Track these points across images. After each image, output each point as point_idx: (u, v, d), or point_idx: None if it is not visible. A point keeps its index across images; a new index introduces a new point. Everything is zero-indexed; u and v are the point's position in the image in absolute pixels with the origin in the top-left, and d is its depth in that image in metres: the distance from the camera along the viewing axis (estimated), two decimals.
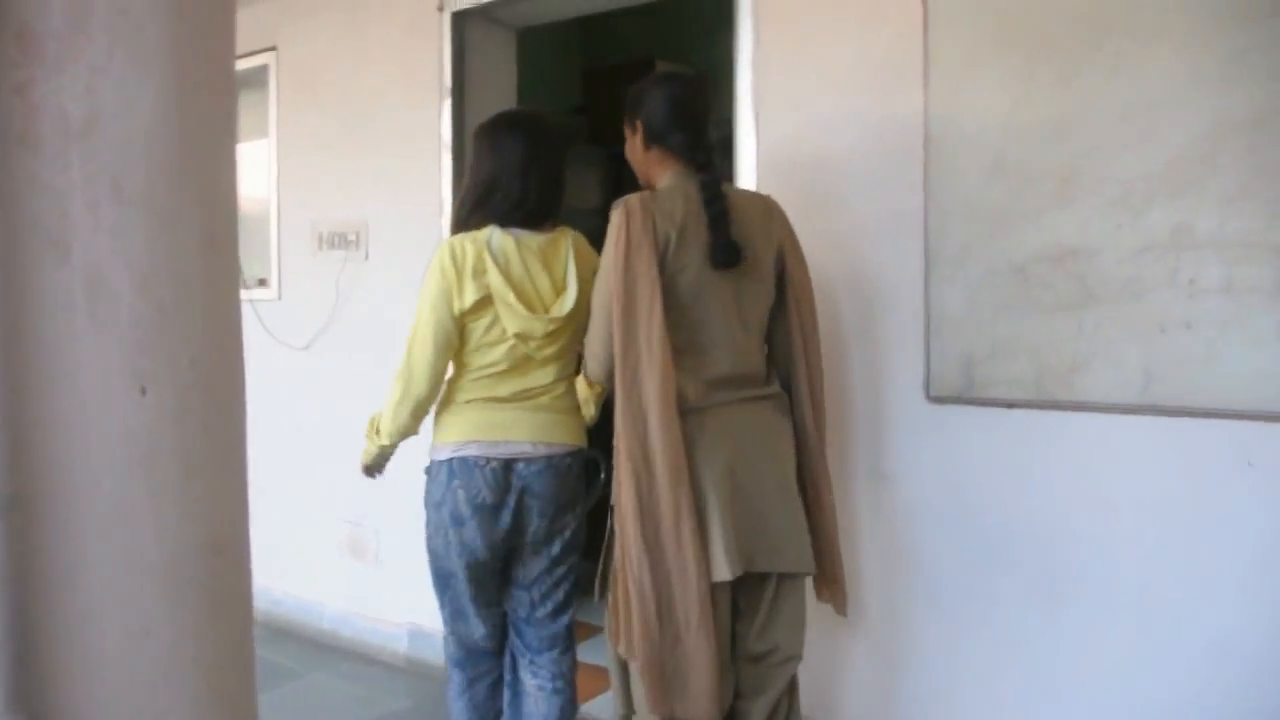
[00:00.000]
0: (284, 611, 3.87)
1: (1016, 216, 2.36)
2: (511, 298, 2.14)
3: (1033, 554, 2.42)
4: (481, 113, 2.97)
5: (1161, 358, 2.18)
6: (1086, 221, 2.27)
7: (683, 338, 2.00)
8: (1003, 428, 2.43)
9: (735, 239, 1.97)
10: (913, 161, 2.52)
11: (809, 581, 2.16)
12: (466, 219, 2.23)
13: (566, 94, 4.92)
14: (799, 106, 2.71)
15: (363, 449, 2.32)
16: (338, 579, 3.73)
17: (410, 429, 2.24)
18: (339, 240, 3.59)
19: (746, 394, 2.05)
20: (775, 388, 2.12)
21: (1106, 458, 2.30)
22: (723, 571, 1.93)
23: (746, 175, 2.78)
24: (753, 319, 2.07)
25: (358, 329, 3.64)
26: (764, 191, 2.50)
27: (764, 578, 2.06)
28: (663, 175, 2.10)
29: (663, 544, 1.92)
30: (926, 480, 2.56)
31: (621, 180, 2.43)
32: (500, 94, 3.40)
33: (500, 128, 2.22)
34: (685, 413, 1.97)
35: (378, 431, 2.26)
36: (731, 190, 2.10)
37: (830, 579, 2.16)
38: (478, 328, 2.18)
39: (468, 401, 2.21)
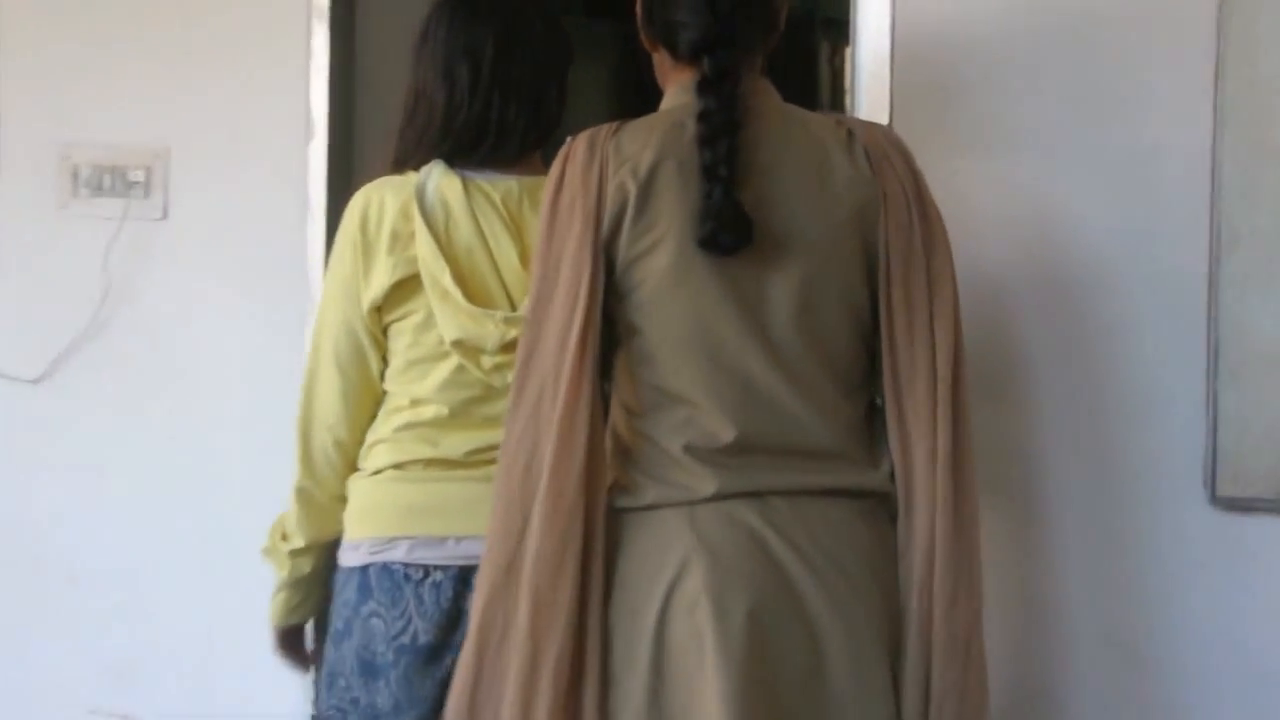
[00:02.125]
0: None
1: None
2: (448, 280, 2.15)
3: None
4: None
5: None
6: None
7: (651, 374, 2.01)
8: None
9: (740, 202, 1.96)
10: (1191, 51, 2.44)
11: None
12: (399, 153, 2.32)
13: None
14: None
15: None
16: None
17: (327, 516, 2.28)
18: (112, 181, 3.30)
19: (795, 482, 2.00)
20: (871, 476, 2.06)
21: None
22: None
23: (872, 90, 2.65)
24: (799, 345, 2.03)
25: (145, 351, 3.32)
26: (905, 119, 2.50)
27: None
28: (669, 91, 2.15)
29: None
30: (1223, 668, 2.45)
31: (644, 78, 2.38)
32: None
33: (433, 8, 2.33)
34: (653, 509, 1.98)
35: (283, 536, 2.32)
36: (776, 112, 2.10)
37: None
38: (402, 333, 2.22)
39: (394, 468, 2.23)
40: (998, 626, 2.46)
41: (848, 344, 2.04)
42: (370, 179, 2.34)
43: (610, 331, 2.00)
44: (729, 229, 1.93)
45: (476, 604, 1.97)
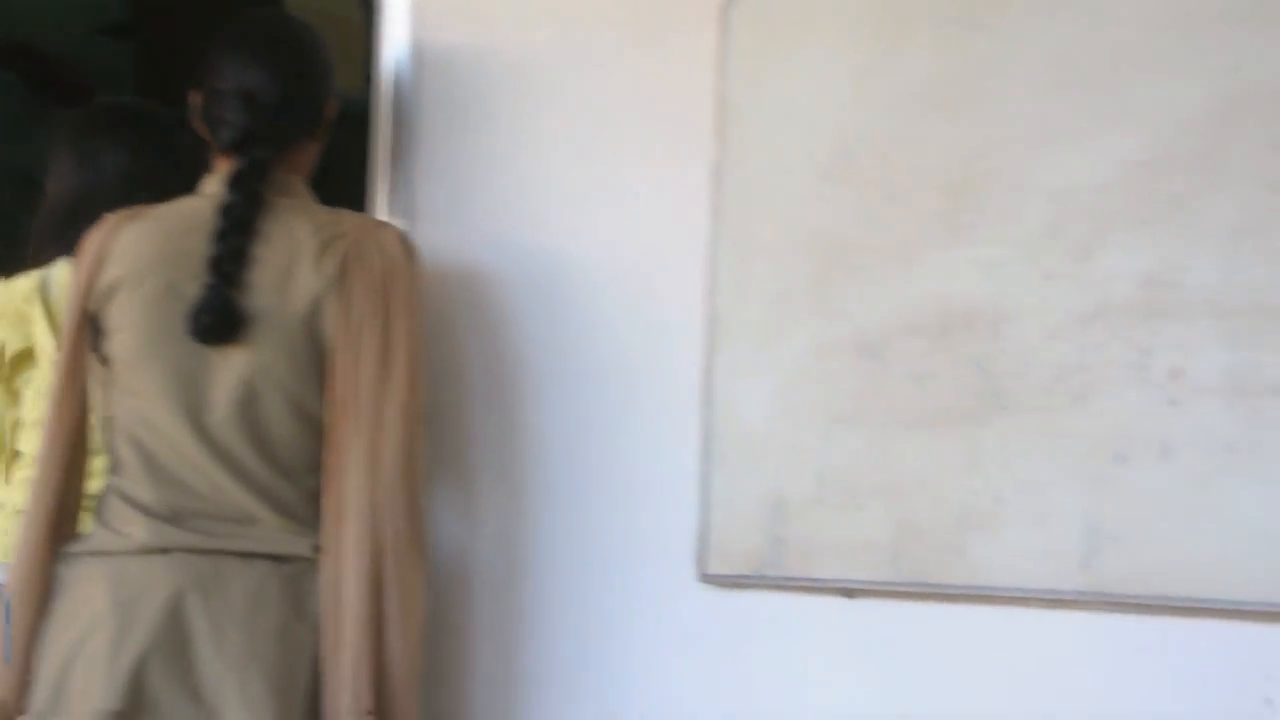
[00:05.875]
0: None
1: (870, 254, 2.38)
2: (53, 349, 2.39)
3: None
4: None
5: (1119, 509, 2.19)
6: (992, 266, 2.28)
7: (110, 435, 2.22)
8: (839, 633, 2.39)
9: (231, 297, 2.11)
10: (692, 154, 2.51)
11: None
12: (35, 251, 2.59)
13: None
14: (492, 24, 2.67)
15: None
16: None
17: None
18: None
19: (216, 545, 2.12)
20: (294, 543, 2.17)
21: (1024, 690, 2.27)
22: None
23: (395, 164, 2.69)
24: (235, 431, 2.17)
25: None
26: (430, 205, 2.60)
27: None
28: (207, 178, 2.29)
29: None
30: None
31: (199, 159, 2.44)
32: None
33: (66, 130, 2.66)
34: (93, 555, 2.15)
35: None
36: (283, 209, 2.22)
37: None
38: (25, 398, 2.51)
39: (15, 512, 2.44)
40: (478, 702, 2.58)
41: (291, 433, 2.18)
42: None
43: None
44: (215, 319, 2.10)
45: None
